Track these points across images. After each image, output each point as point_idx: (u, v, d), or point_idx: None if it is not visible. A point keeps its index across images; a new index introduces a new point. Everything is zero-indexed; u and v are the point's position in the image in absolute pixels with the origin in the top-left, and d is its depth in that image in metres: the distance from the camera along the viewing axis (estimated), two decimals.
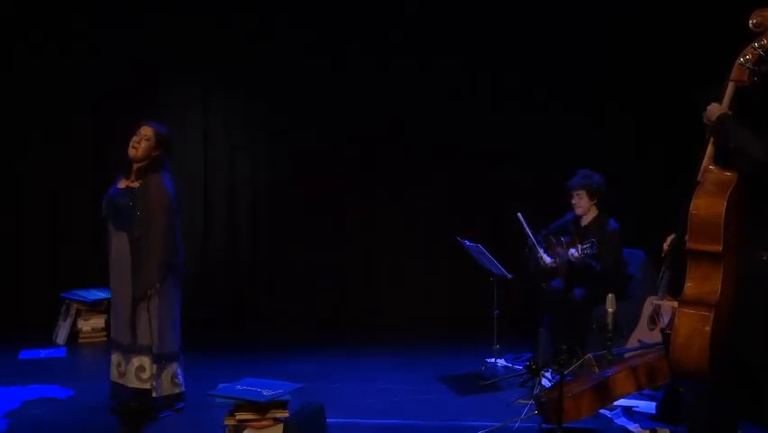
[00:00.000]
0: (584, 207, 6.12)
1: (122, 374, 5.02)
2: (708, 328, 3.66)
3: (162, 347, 5.00)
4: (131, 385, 4.99)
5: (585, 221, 6.15)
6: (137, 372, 4.98)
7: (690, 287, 3.79)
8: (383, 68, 7.62)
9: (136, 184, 5.05)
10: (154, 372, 4.98)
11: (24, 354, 6.67)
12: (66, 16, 7.57)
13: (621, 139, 7.34)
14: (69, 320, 7.15)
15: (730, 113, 3.85)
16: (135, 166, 5.07)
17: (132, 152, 5.05)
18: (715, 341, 3.65)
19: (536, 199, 6.83)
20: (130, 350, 5.00)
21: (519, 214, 5.82)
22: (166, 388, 5.04)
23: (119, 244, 5.05)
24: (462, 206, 7.67)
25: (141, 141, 5.05)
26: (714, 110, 3.90)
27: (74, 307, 7.19)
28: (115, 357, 5.07)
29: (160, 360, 5.00)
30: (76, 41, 7.57)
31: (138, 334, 4.99)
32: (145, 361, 4.98)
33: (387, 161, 7.70)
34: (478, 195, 7.62)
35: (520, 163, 7.51)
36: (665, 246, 4.31)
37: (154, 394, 4.99)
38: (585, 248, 5.73)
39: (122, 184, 5.10)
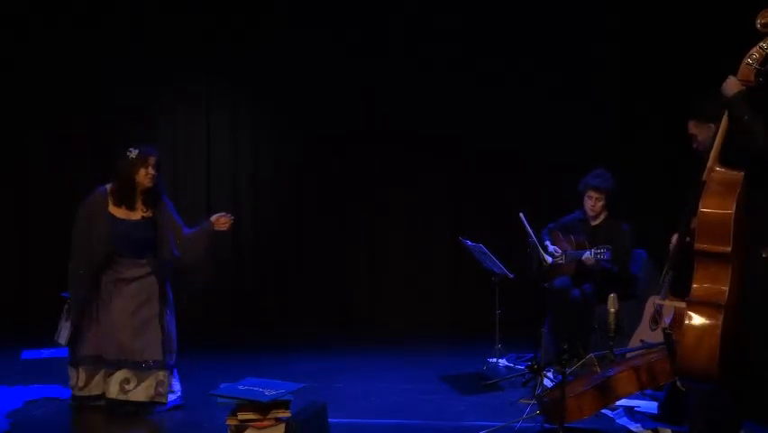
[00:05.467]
0: (599, 208, 6.06)
1: (126, 391, 5.02)
2: (718, 329, 3.64)
3: (173, 357, 5.15)
4: (142, 400, 5.02)
5: (595, 222, 6.12)
6: (157, 387, 5.05)
7: (698, 288, 3.77)
8: (385, 68, 7.62)
9: (150, 213, 5.08)
10: (169, 381, 5.11)
11: (26, 355, 6.67)
12: (68, 16, 7.58)
13: (622, 139, 7.33)
14: (71, 320, 7.13)
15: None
16: (144, 194, 5.08)
17: (149, 183, 5.05)
18: (724, 341, 3.64)
19: (538, 199, 6.82)
20: (148, 367, 5.04)
21: (521, 213, 5.81)
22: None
23: (135, 271, 5.08)
24: (464, 205, 7.66)
25: (156, 171, 5.06)
26: (732, 85, 3.87)
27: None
28: (121, 374, 5.04)
29: (171, 369, 5.13)
30: (78, 41, 7.59)
31: (157, 348, 5.06)
32: (161, 374, 5.07)
33: (389, 160, 7.70)
34: (480, 195, 7.61)
35: (522, 163, 7.50)
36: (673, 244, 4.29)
37: (164, 400, 5.09)
38: (599, 253, 5.68)
39: (132, 216, 5.08)
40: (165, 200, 5.19)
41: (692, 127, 4.32)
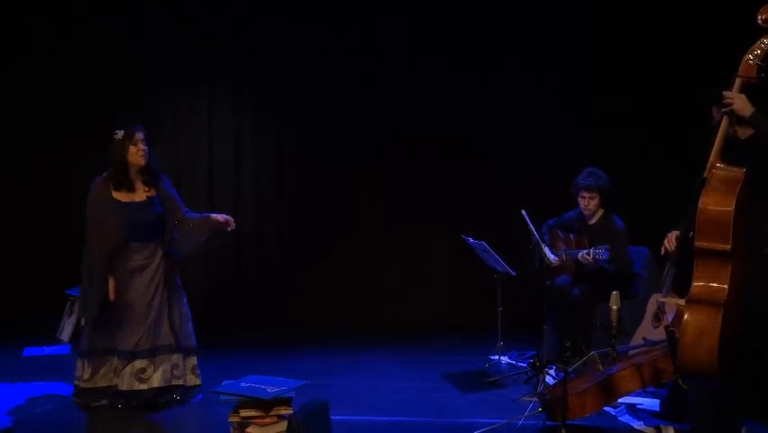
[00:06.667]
0: (594, 207, 6.08)
1: (144, 380, 5.04)
2: (717, 327, 3.64)
3: (191, 340, 5.22)
4: (160, 385, 5.06)
5: (592, 220, 6.13)
6: (173, 369, 5.11)
7: (697, 286, 3.76)
8: (385, 66, 7.62)
9: (153, 192, 5.12)
10: (187, 364, 5.18)
11: (29, 351, 6.69)
12: (68, 15, 7.60)
13: (623, 135, 7.32)
14: (74, 317, 7.15)
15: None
16: (142, 173, 5.10)
17: (141, 160, 5.07)
18: (724, 339, 3.64)
19: (540, 196, 6.83)
20: (161, 351, 5.09)
21: (523, 211, 5.80)
22: (189, 379, 5.20)
23: (145, 256, 5.09)
24: (466, 203, 7.66)
25: (145, 147, 5.09)
26: (745, 105, 3.87)
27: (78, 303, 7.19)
28: (137, 364, 5.04)
29: (189, 353, 5.20)
30: (75, 37, 7.61)
31: (169, 332, 5.12)
32: (175, 357, 5.12)
33: (391, 158, 7.70)
34: (482, 192, 7.62)
35: (524, 160, 7.50)
36: (667, 244, 4.29)
37: (181, 382, 5.15)
38: (598, 253, 5.69)
39: (135, 197, 5.10)
40: (163, 178, 5.22)
41: (716, 112, 4.31)
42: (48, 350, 6.74)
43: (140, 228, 5.06)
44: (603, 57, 7.34)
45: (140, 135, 5.07)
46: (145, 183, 5.12)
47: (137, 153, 5.04)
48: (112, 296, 4.99)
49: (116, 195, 5.07)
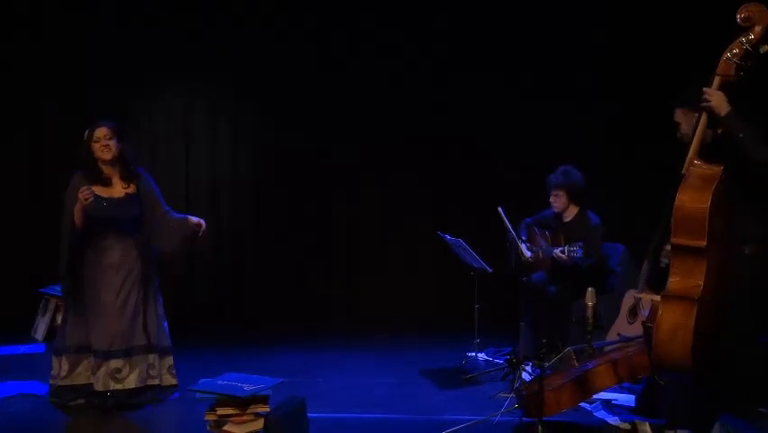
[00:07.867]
0: (561, 205, 6.13)
1: (120, 380, 5.01)
2: (691, 323, 3.67)
3: (166, 340, 5.20)
4: (136, 386, 5.04)
5: (567, 218, 6.17)
6: (148, 369, 5.09)
7: (673, 281, 3.79)
8: (367, 63, 7.61)
9: (132, 189, 5.09)
10: (163, 364, 5.16)
11: (2, 350, 6.62)
12: (49, 14, 7.55)
13: (604, 132, 7.36)
14: (48, 316, 7.08)
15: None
16: (116, 167, 5.08)
17: (107, 154, 5.05)
18: (698, 334, 3.67)
19: (517, 194, 6.84)
20: (137, 351, 5.07)
21: (500, 208, 5.82)
22: (165, 379, 5.18)
23: (121, 253, 5.08)
24: (444, 201, 7.67)
25: (110, 141, 5.06)
26: (722, 103, 3.88)
27: (53, 302, 7.12)
28: (112, 364, 5.01)
29: (165, 353, 5.18)
30: (58, 38, 7.55)
31: (145, 333, 5.11)
32: (151, 357, 5.11)
33: (370, 157, 7.70)
34: (459, 190, 7.63)
35: (502, 157, 7.51)
36: None
37: (157, 382, 5.14)
38: (572, 251, 5.74)
39: (113, 193, 5.07)
40: (142, 174, 5.22)
41: (678, 116, 4.28)
42: (22, 349, 6.68)
43: (115, 224, 5.03)
44: (590, 51, 7.35)
45: (103, 131, 5.06)
46: (123, 179, 5.10)
47: (99, 148, 5.05)
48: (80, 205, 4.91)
49: (94, 188, 5.04)
